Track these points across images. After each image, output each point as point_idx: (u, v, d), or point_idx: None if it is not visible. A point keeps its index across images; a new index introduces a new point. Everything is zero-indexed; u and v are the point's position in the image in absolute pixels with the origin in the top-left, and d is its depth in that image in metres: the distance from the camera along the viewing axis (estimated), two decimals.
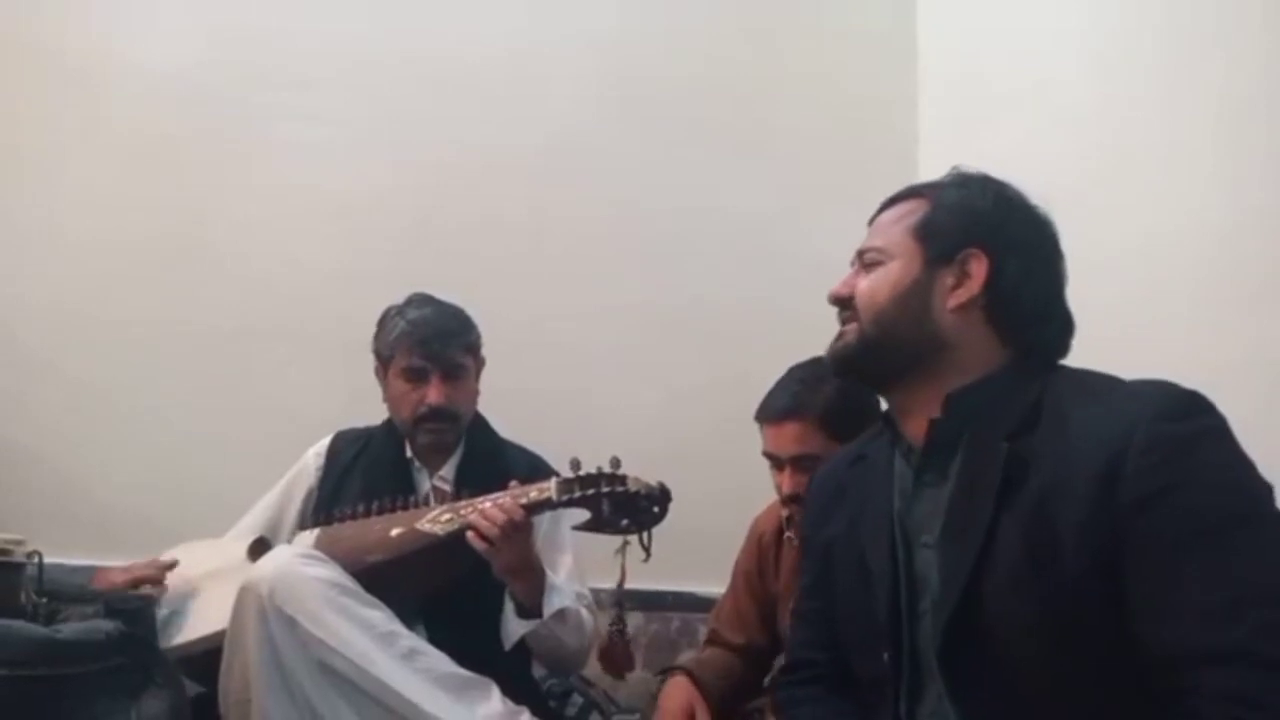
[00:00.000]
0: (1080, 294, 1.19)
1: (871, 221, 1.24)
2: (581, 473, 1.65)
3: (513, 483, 1.70)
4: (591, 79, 2.67)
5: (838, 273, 1.20)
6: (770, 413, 1.68)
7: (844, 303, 1.19)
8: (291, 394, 2.36)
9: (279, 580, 1.52)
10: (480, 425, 1.98)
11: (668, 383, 2.55)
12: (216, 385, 2.41)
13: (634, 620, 2.48)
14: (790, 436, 1.65)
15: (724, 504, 2.01)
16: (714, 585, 2.01)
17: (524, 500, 1.64)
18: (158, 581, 1.71)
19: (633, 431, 2.43)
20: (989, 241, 1.13)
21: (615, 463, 1.66)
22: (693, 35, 2.72)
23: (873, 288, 1.16)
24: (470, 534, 1.63)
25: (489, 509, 1.63)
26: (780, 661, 1.85)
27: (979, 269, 1.12)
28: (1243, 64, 1.73)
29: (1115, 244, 1.81)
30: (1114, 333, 1.24)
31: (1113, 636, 0.94)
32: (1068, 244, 1.18)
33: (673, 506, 1.66)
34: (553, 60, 2.66)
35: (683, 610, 2.45)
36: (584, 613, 1.82)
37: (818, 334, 1.83)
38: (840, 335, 1.20)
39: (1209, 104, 1.80)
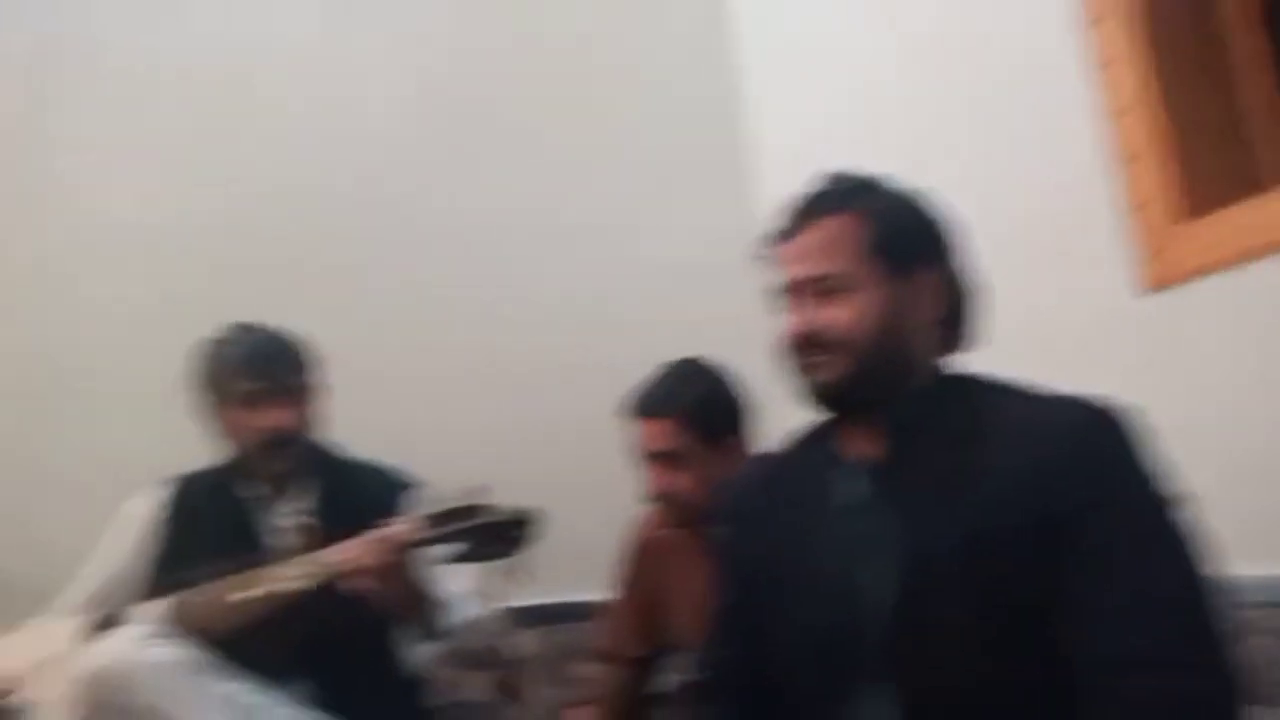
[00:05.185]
0: None
1: (780, 243, 1.16)
2: (444, 509, 1.56)
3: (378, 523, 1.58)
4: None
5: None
6: (638, 409, 1.64)
7: (809, 339, 1.12)
8: (111, 438, 2.15)
9: (117, 671, 1.39)
10: (330, 449, 1.85)
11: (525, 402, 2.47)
12: (29, 434, 2.18)
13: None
14: (658, 433, 1.62)
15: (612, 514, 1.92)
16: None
17: (393, 543, 1.53)
18: None
19: (504, 454, 2.31)
20: (936, 252, 1.15)
21: (479, 492, 1.57)
22: (485, 39, 2.67)
23: (853, 317, 1.10)
24: (346, 582, 1.52)
25: (360, 555, 1.53)
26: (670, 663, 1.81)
27: (936, 281, 1.14)
28: None
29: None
30: None
31: (1042, 643, 0.98)
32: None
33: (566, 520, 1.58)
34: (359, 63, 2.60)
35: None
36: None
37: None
38: (812, 370, 1.12)
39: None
